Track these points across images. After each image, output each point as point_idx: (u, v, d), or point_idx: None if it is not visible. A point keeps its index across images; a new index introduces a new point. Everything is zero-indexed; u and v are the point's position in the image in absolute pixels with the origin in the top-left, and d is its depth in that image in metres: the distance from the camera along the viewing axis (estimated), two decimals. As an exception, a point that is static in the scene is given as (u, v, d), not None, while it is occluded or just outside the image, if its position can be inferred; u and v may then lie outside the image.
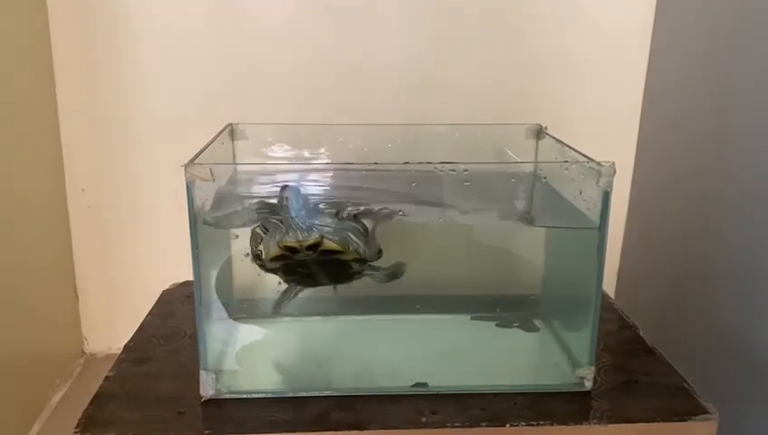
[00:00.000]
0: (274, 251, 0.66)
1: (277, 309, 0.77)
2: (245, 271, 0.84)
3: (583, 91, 1.25)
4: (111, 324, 1.31)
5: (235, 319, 0.80)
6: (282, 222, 0.66)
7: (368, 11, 1.19)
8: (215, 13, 1.19)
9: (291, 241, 0.66)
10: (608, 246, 0.69)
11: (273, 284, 0.85)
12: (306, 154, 0.89)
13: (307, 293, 0.87)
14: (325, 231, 0.66)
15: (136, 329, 0.85)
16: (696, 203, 1.06)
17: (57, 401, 1.18)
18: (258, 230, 0.69)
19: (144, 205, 1.26)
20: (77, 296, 1.30)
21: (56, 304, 1.25)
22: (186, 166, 0.63)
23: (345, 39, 1.20)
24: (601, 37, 1.23)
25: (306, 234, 0.66)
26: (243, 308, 0.83)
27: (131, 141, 1.23)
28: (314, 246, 0.66)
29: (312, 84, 1.21)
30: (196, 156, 0.67)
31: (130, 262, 1.29)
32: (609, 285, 1.30)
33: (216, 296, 0.72)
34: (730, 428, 0.74)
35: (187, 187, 0.63)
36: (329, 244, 0.66)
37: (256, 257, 0.69)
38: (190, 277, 0.69)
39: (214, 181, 0.64)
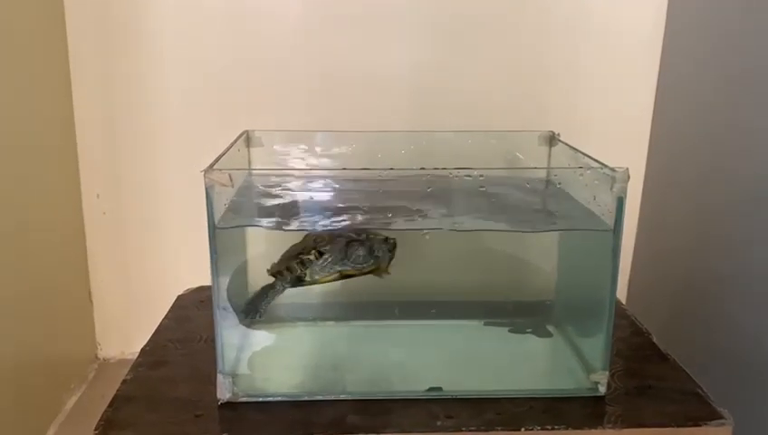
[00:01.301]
0: (332, 277, 0.76)
1: (263, 308, 0.79)
2: (262, 275, 0.85)
3: (594, 97, 1.25)
4: (125, 330, 1.32)
5: (251, 323, 0.81)
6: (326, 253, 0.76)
7: (381, 19, 1.21)
8: (230, 22, 1.20)
9: (352, 270, 0.76)
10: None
11: (290, 289, 0.87)
12: (320, 160, 0.90)
13: (323, 298, 0.88)
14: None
15: (151, 334, 0.85)
16: (707, 208, 1.06)
17: (72, 405, 1.19)
18: (309, 257, 0.76)
19: (159, 211, 1.27)
20: (91, 302, 1.31)
21: (71, 309, 1.26)
22: (205, 171, 0.64)
23: (359, 47, 1.22)
24: (612, 43, 1.23)
25: (364, 264, 0.76)
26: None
27: (146, 148, 1.24)
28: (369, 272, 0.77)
29: (326, 92, 1.22)
30: (215, 162, 0.68)
31: (145, 268, 1.30)
32: (621, 292, 1.30)
33: (232, 300, 0.73)
34: (745, 433, 0.74)
35: (207, 192, 0.64)
36: (383, 267, 0.76)
37: (298, 280, 0.76)
38: (204, 283, 0.70)
39: (233, 187, 0.65)
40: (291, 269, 0.75)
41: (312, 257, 0.75)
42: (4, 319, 0.99)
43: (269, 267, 0.78)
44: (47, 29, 1.16)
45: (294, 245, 0.77)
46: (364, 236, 0.75)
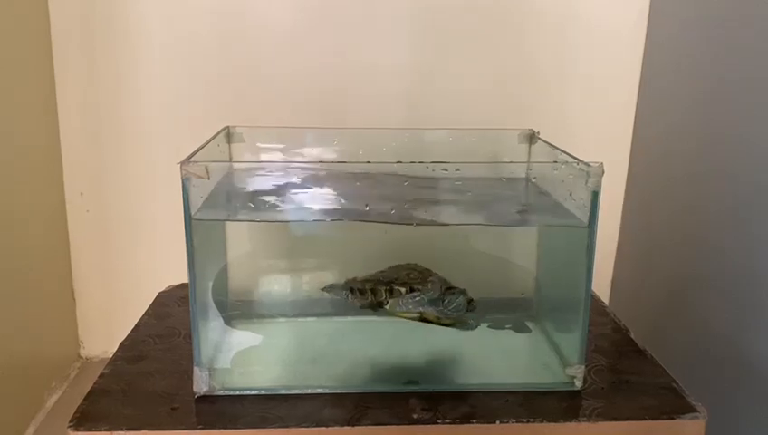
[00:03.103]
0: (412, 316, 0.75)
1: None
2: (241, 271, 0.86)
3: (577, 96, 1.26)
4: (108, 328, 1.31)
5: (230, 317, 0.81)
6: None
7: (365, 17, 1.21)
8: (216, 20, 1.20)
9: (431, 315, 0.75)
10: (602, 255, 0.70)
11: (268, 284, 0.87)
12: (302, 157, 0.90)
13: (301, 295, 0.88)
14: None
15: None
16: (689, 207, 1.07)
17: (52, 403, 1.18)
18: (400, 289, 0.76)
19: (142, 209, 1.27)
20: (74, 300, 1.31)
21: (53, 307, 1.25)
22: (182, 163, 0.64)
23: (343, 44, 1.22)
24: (596, 42, 1.24)
25: (449, 315, 0.75)
26: (238, 307, 0.84)
27: (130, 146, 1.24)
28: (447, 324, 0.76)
29: (309, 89, 1.22)
30: (193, 154, 0.68)
31: (128, 266, 1.30)
32: (604, 291, 1.31)
33: (211, 295, 0.73)
34: (721, 431, 0.74)
35: (183, 184, 0.64)
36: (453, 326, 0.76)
37: (378, 304, 0.76)
38: (187, 280, 0.70)
39: (209, 179, 0.65)
40: (375, 293, 0.75)
41: (402, 290, 0.74)
42: (-16, 316, 0.99)
43: (344, 280, 0.78)
44: (31, 26, 1.15)
45: (381, 271, 0.78)
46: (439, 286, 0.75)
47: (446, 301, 0.74)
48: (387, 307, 0.75)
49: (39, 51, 1.18)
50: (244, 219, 0.73)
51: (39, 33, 1.17)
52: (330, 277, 0.84)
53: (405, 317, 0.75)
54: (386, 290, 0.75)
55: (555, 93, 1.26)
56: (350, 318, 0.84)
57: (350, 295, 0.77)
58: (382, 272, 0.78)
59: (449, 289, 0.75)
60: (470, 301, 0.76)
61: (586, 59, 1.25)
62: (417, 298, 0.75)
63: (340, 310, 0.84)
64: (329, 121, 1.22)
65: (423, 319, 0.75)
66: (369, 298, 0.76)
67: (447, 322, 0.75)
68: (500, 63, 1.24)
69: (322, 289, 0.81)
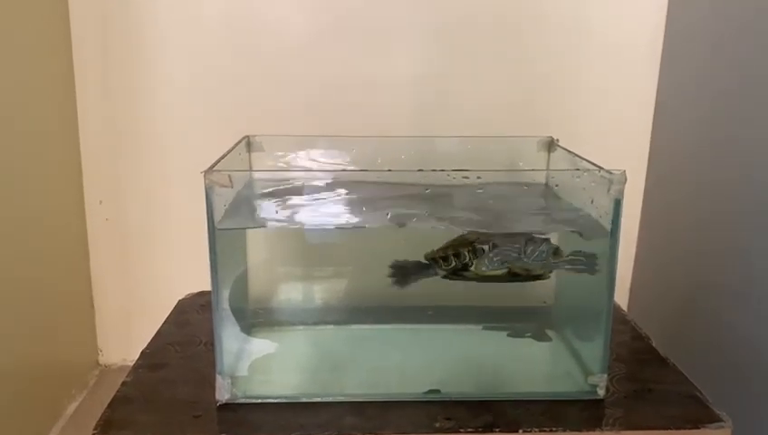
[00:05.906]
0: (500, 272, 0.72)
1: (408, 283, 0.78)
2: (262, 279, 0.86)
3: (594, 107, 1.26)
4: (126, 336, 1.32)
5: (251, 326, 0.81)
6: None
7: (383, 27, 1.22)
8: (233, 32, 1.21)
9: (519, 268, 0.72)
10: (620, 262, 0.70)
11: (290, 293, 0.87)
12: (321, 165, 0.91)
13: (322, 302, 0.88)
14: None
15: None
16: (707, 216, 1.06)
17: (72, 411, 1.19)
18: (483, 247, 0.73)
19: (161, 218, 1.28)
20: (93, 308, 1.32)
21: (72, 315, 1.26)
22: (205, 172, 0.65)
23: (360, 54, 1.22)
24: (612, 52, 1.24)
25: (535, 265, 0.72)
26: (259, 315, 0.84)
27: (150, 155, 1.25)
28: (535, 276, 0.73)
29: (327, 98, 1.23)
30: (216, 163, 0.68)
31: (147, 275, 1.31)
32: (622, 298, 1.30)
33: (232, 303, 0.73)
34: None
35: (207, 193, 0.65)
36: (547, 275, 0.73)
37: (464, 267, 0.73)
38: (206, 289, 0.70)
39: (232, 188, 0.65)
40: (459, 256, 0.72)
41: (486, 248, 0.71)
42: (5, 324, 1.00)
43: (427, 252, 0.75)
44: (52, 36, 1.17)
45: (452, 240, 0.74)
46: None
47: (529, 251, 0.71)
48: (472, 268, 0.72)
49: (59, 60, 1.19)
50: (267, 227, 0.73)
51: (59, 43, 1.19)
52: (349, 285, 0.84)
53: (492, 275, 0.72)
54: (468, 251, 0.72)
55: (571, 105, 1.26)
56: (370, 326, 0.84)
57: (437, 265, 0.74)
58: (452, 241, 0.75)
59: (530, 239, 0.72)
60: (556, 249, 0.72)
61: (603, 67, 1.24)
62: (502, 253, 0.71)
63: (361, 319, 0.84)
64: (345, 131, 1.22)
65: (511, 274, 0.72)
66: (454, 263, 0.73)
67: (537, 273, 0.72)
68: (516, 73, 1.25)
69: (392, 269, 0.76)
